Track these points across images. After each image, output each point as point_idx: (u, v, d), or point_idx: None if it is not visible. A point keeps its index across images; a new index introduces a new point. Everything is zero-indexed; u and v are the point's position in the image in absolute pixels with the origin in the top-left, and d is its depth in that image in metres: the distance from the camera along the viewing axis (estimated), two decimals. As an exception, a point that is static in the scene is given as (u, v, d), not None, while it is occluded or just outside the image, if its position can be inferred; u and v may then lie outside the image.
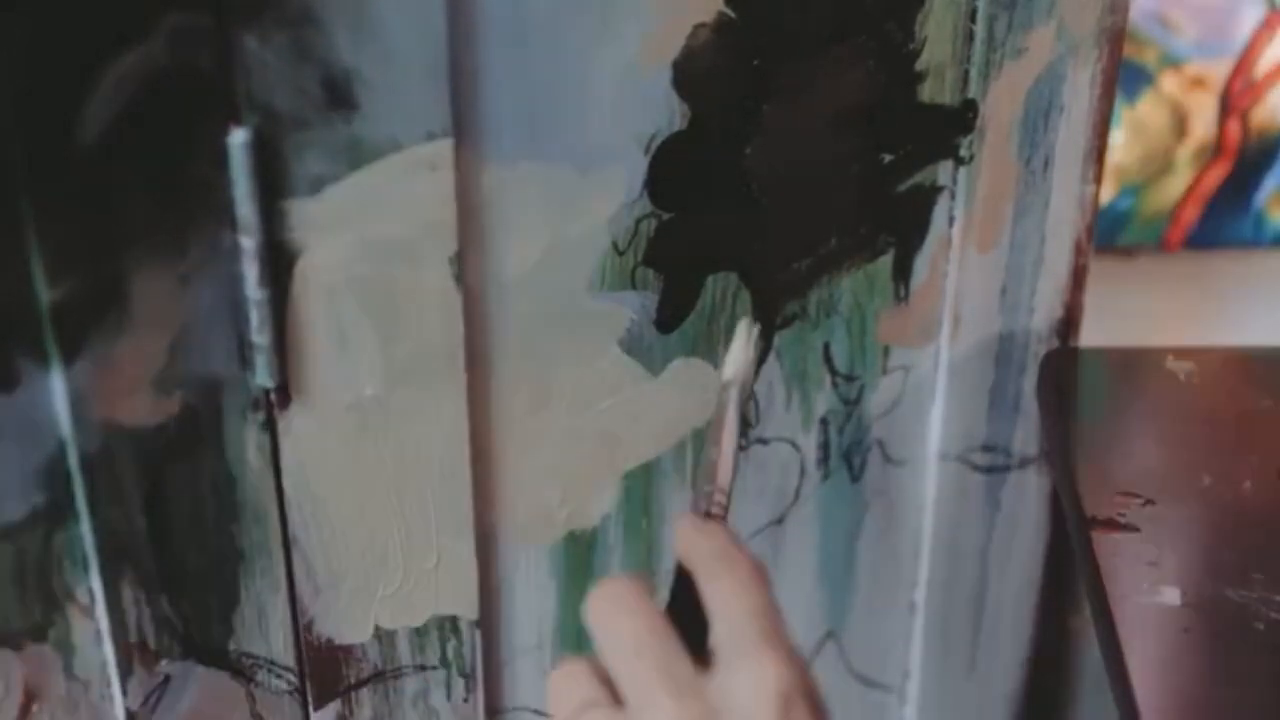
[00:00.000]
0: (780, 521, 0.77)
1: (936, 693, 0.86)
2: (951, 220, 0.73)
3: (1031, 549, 0.84)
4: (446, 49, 0.58)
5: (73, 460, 0.57)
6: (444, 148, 0.59)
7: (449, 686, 0.71)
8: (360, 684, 0.69)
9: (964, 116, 0.71)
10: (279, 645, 0.67)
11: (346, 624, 0.68)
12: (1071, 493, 0.71)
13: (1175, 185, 0.99)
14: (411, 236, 0.61)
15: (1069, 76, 0.71)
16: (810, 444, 0.76)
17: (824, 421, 0.75)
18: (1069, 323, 0.78)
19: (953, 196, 0.73)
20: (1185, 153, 0.98)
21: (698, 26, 0.63)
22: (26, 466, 0.56)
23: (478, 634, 0.70)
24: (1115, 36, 0.72)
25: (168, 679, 0.64)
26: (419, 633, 0.69)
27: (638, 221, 0.65)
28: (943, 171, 0.72)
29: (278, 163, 0.57)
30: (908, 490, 0.80)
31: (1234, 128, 0.98)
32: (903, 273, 0.73)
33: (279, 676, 0.67)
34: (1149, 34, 0.96)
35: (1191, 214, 1.00)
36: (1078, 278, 0.77)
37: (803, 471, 0.76)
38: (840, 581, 0.80)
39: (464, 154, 0.60)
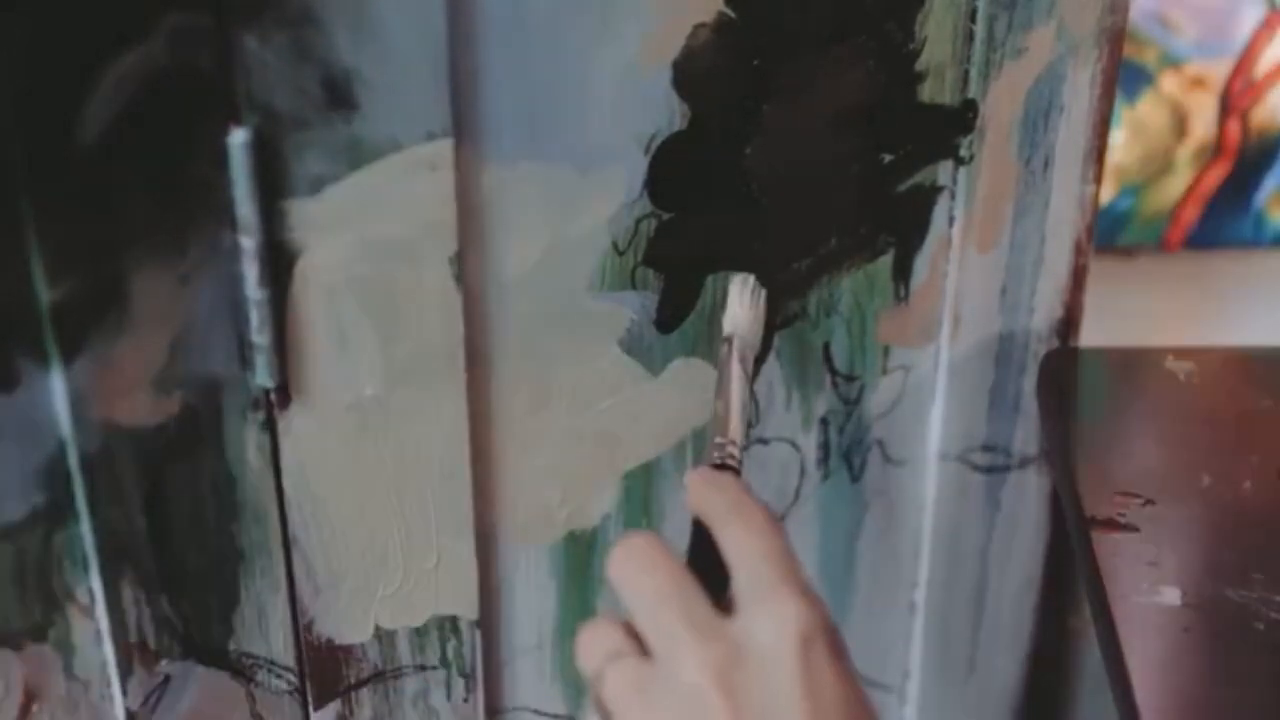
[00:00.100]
0: (780, 521, 0.77)
1: (936, 692, 0.86)
2: (951, 220, 0.73)
3: (1031, 549, 0.84)
4: (446, 49, 0.58)
5: (73, 460, 0.57)
6: (444, 148, 0.59)
7: (449, 686, 0.71)
8: (360, 684, 0.69)
9: (964, 116, 0.71)
10: (279, 645, 0.67)
11: (346, 624, 0.68)
12: (1071, 493, 0.71)
13: (1175, 185, 0.99)
14: (411, 236, 0.61)
15: (1069, 76, 0.71)
16: (810, 444, 0.76)
17: (824, 421, 0.75)
18: (1069, 323, 0.78)
19: (953, 196, 0.73)
20: (1185, 153, 0.98)
21: (698, 26, 0.63)
22: (26, 466, 0.56)
23: (478, 634, 0.70)
24: (1115, 36, 0.72)
25: (168, 679, 0.64)
26: (419, 633, 0.69)
27: (638, 221, 0.65)
28: (943, 171, 0.72)
29: (278, 163, 0.57)
30: (908, 490, 0.80)
31: (1234, 128, 0.98)
32: (903, 273, 0.73)
33: (279, 676, 0.67)
34: (1149, 34, 0.96)
35: (1191, 214, 1.00)
36: (1078, 278, 0.77)
37: (803, 471, 0.76)
38: (840, 581, 0.80)
39: (464, 154, 0.60)
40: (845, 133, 0.68)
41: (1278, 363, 0.80)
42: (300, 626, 0.67)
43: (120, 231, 0.55)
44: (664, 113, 0.64)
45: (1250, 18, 0.96)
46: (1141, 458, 0.73)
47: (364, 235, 0.60)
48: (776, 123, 0.66)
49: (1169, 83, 0.97)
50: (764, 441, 0.74)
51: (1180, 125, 0.98)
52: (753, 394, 0.72)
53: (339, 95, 0.57)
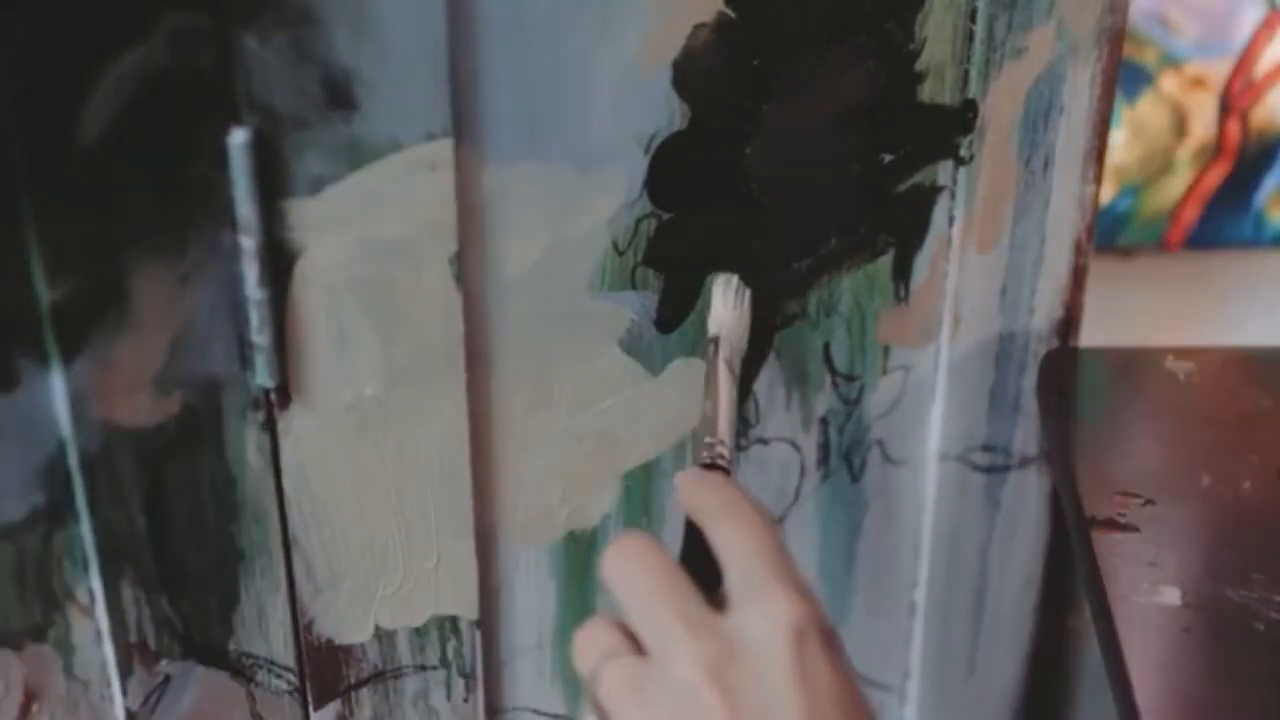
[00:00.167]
0: (780, 521, 0.77)
1: (936, 692, 0.86)
2: (951, 220, 0.73)
3: (1031, 549, 0.84)
4: (446, 49, 0.58)
5: (73, 460, 0.57)
6: (444, 148, 0.59)
7: (449, 686, 0.71)
8: (360, 684, 0.69)
9: (964, 116, 0.71)
10: (279, 645, 0.67)
11: (346, 624, 0.68)
12: (1071, 493, 0.71)
13: (1175, 185, 0.99)
14: (411, 236, 0.61)
15: (1069, 76, 0.71)
16: (810, 444, 0.76)
17: (824, 421, 0.75)
18: (1069, 323, 0.78)
19: (953, 196, 0.73)
20: (1185, 153, 0.98)
21: (698, 26, 0.63)
22: (26, 466, 0.56)
23: (478, 634, 0.70)
24: (1115, 36, 0.71)
25: (168, 679, 0.64)
26: (419, 633, 0.69)
27: (638, 221, 0.65)
28: (943, 171, 0.72)
29: (278, 163, 0.57)
30: (908, 490, 0.80)
31: (1234, 128, 0.98)
32: (903, 273, 0.73)
33: (279, 676, 0.67)
34: (1149, 34, 0.96)
35: (1191, 214, 1.00)
36: (1078, 278, 0.77)
37: (803, 471, 0.76)
38: (840, 581, 0.80)
39: (464, 154, 0.60)
40: (845, 133, 0.68)
41: (1278, 363, 0.80)
42: (300, 626, 0.67)
43: (120, 231, 0.55)
44: (664, 113, 0.64)
45: (1250, 18, 0.96)
46: (1141, 458, 0.73)
47: (364, 235, 0.60)
48: (776, 123, 0.66)
49: (1169, 83, 0.97)
50: (764, 441, 0.74)
51: (1180, 125, 0.98)
52: (751, 393, 0.73)
53: (339, 95, 0.57)
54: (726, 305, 0.66)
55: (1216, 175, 0.99)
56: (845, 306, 0.73)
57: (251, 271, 0.58)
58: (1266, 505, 0.70)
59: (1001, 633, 0.86)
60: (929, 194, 0.72)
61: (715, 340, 0.66)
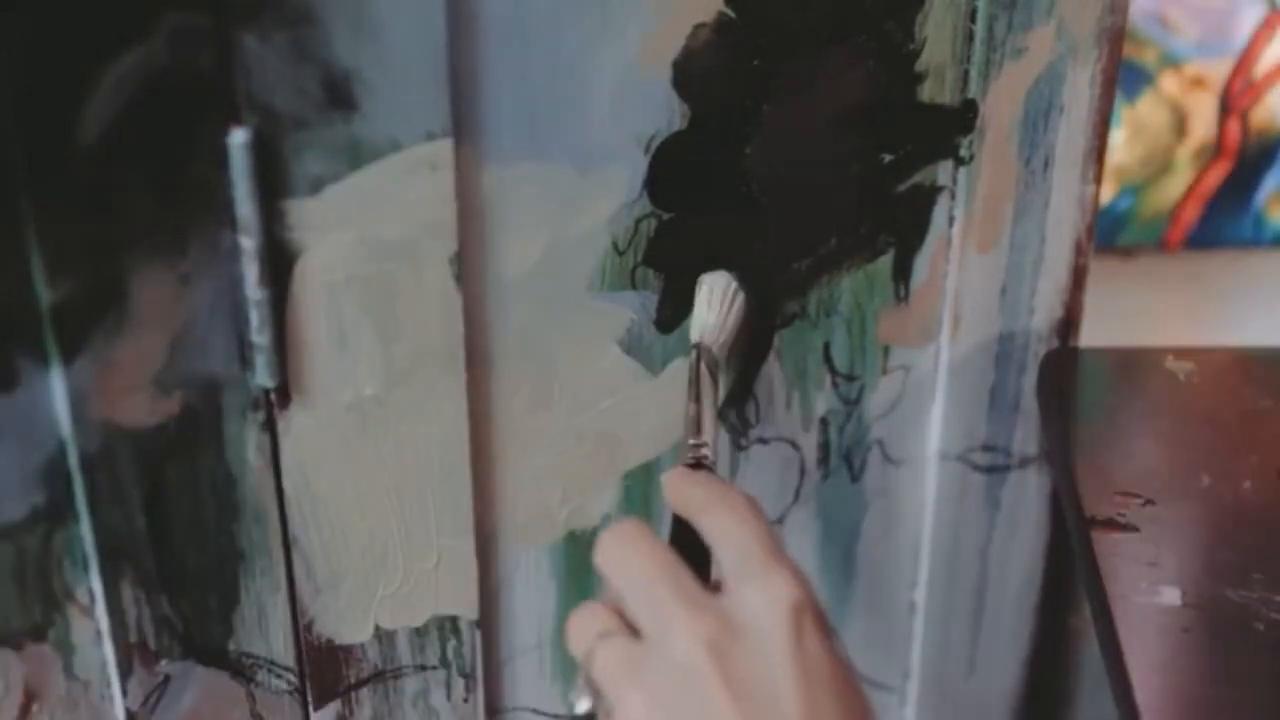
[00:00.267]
0: (780, 521, 0.77)
1: (936, 693, 0.86)
2: (951, 220, 0.73)
3: (1031, 549, 0.84)
4: (446, 49, 0.58)
5: (73, 460, 0.57)
6: (444, 148, 0.59)
7: (449, 686, 0.71)
8: (360, 684, 0.69)
9: (964, 116, 0.71)
10: (279, 645, 0.67)
11: (346, 624, 0.68)
12: (1071, 493, 0.71)
13: (1175, 185, 0.99)
14: (411, 236, 0.61)
15: (1069, 76, 0.71)
16: (810, 444, 0.76)
17: (824, 421, 0.75)
18: (1069, 323, 0.78)
19: (953, 196, 0.73)
20: (1185, 153, 0.98)
21: (698, 26, 0.63)
22: (26, 466, 0.56)
23: (478, 634, 0.70)
24: (1115, 36, 0.71)
25: (168, 679, 0.64)
26: (419, 633, 0.69)
27: (638, 221, 0.65)
28: (943, 171, 0.72)
29: (278, 163, 0.57)
30: (908, 490, 0.80)
31: (1234, 128, 0.98)
32: (903, 273, 0.73)
33: (279, 676, 0.67)
34: (1149, 34, 0.96)
35: (1191, 214, 1.00)
36: (1078, 278, 0.77)
37: (803, 471, 0.76)
38: (840, 581, 0.80)
39: (464, 154, 0.60)
40: (845, 133, 0.68)
41: (1278, 363, 0.80)
42: (300, 626, 0.67)
43: (120, 231, 0.55)
44: (664, 113, 0.64)
45: (1250, 18, 0.96)
46: (1141, 458, 0.73)
47: (364, 235, 0.60)
48: (776, 123, 0.66)
49: (1169, 83, 0.97)
50: (764, 441, 0.74)
51: (1180, 125, 0.98)
52: (751, 393, 0.73)
53: (339, 95, 0.57)
54: (711, 310, 0.67)
55: (1216, 175, 0.99)
56: (845, 306, 0.73)
57: (251, 271, 0.58)
58: (1266, 505, 0.70)
59: (1001, 633, 0.86)
60: (929, 194, 0.72)
61: (697, 346, 0.67)
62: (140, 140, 0.54)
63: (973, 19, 0.68)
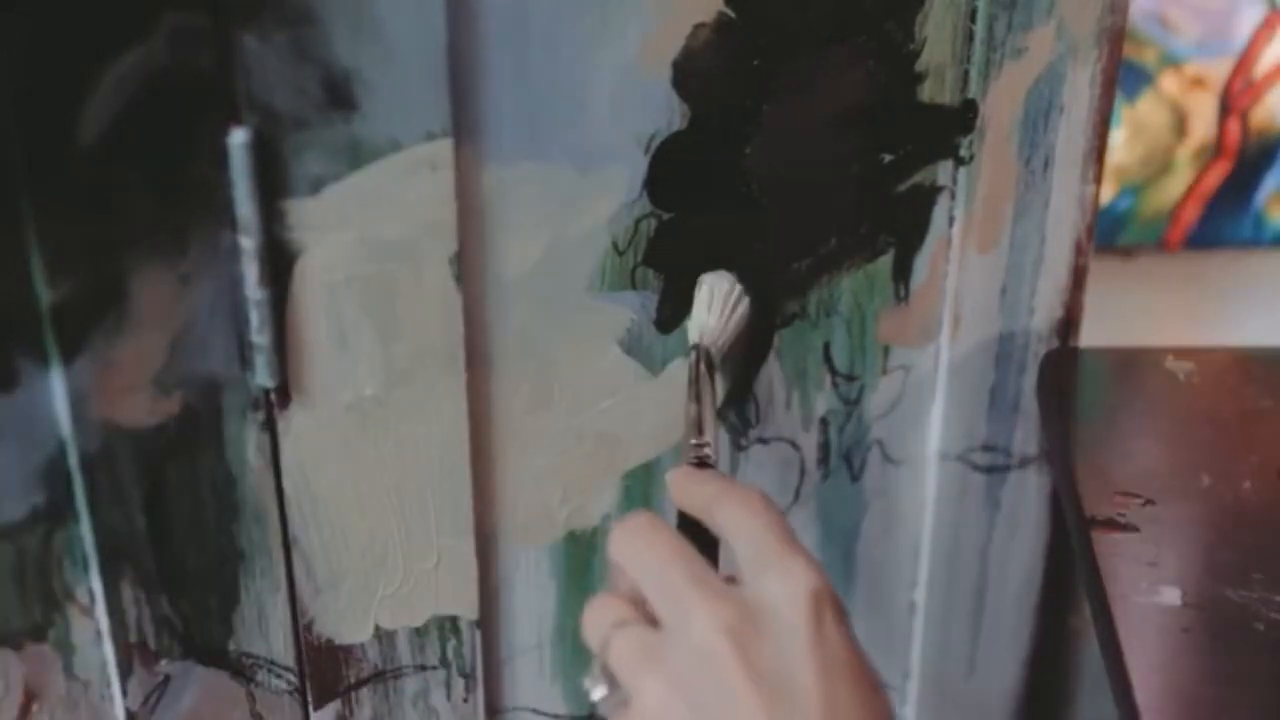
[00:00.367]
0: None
1: (936, 693, 0.86)
2: (951, 220, 0.73)
3: (1031, 549, 0.84)
4: (446, 49, 0.58)
5: (73, 460, 0.57)
6: (444, 148, 0.59)
7: (449, 686, 0.71)
8: (360, 684, 0.69)
9: (964, 116, 0.71)
10: (279, 645, 0.67)
11: (346, 624, 0.68)
12: (1071, 493, 0.71)
13: (1175, 185, 0.99)
14: (411, 236, 0.61)
15: (1069, 76, 0.71)
16: (810, 444, 0.76)
17: (824, 421, 0.75)
18: (1069, 323, 0.78)
19: (953, 196, 0.73)
20: (1185, 153, 0.98)
21: (698, 26, 0.63)
22: (26, 466, 0.56)
23: (478, 634, 0.70)
24: (1115, 36, 0.71)
25: (168, 679, 0.64)
26: (419, 633, 0.69)
27: (638, 221, 0.65)
28: (943, 171, 0.72)
29: (278, 163, 0.57)
30: (908, 490, 0.80)
31: (1234, 128, 0.98)
32: (903, 273, 0.73)
33: (279, 676, 0.67)
34: (1149, 34, 0.96)
35: (1191, 214, 1.00)
36: (1078, 278, 0.77)
37: (803, 471, 0.76)
38: (840, 581, 0.80)
39: (464, 154, 0.60)
40: (845, 133, 0.68)
41: (1278, 363, 0.80)
42: (300, 626, 0.67)
43: (120, 231, 0.55)
44: (664, 113, 0.64)
45: (1250, 18, 0.96)
46: (1141, 458, 0.73)
47: (364, 235, 0.60)
48: (776, 123, 0.66)
49: (1169, 83, 0.97)
50: (764, 441, 0.74)
51: (1180, 125, 0.98)
52: (751, 393, 0.73)
53: (339, 95, 0.57)
54: (713, 313, 0.67)
55: (1216, 175, 0.99)
56: (845, 306, 0.73)
57: (251, 271, 0.58)
58: (1266, 505, 0.70)
59: (1001, 633, 0.86)
60: (929, 194, 0.72)
61: (697, 347, 0.67)
62: (140, 140, 0.54)
63: (973, 19, 0.68)
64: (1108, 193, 0.97)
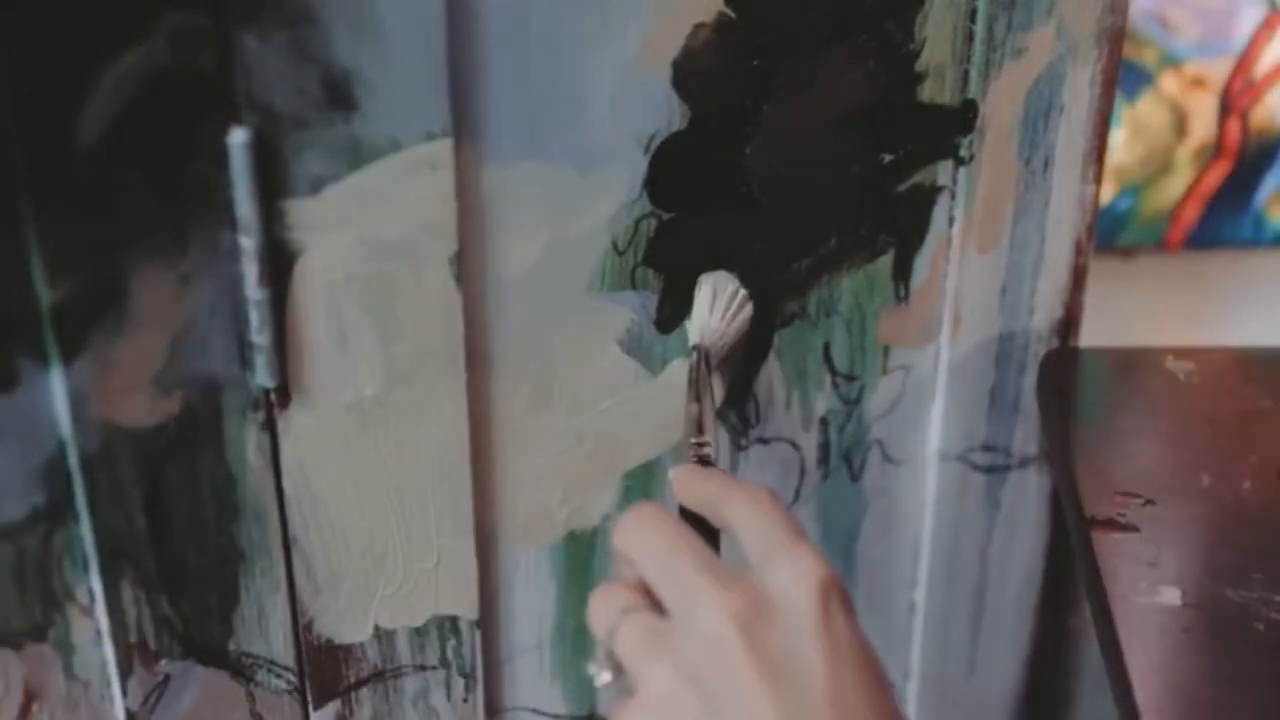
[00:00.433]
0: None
1: (936, 693, 0.86)
2: (951, 220, 0.73)
3: (1031, 549, 0.84)
4: (446, 49, 0.58)
5: (73, 460, 0.57)
6: (444, 148, 0.59)
7: (449, 686, 0.71)
8: (360, 684, 0.69)
9: (964, 116, 0.71)
10: (279, 645, 0.67)
11: (346, 624, 0.68)
12: (1071, 493, 0.71)
13: (1175, 185, 0.99)
14: (411, 236, 0.61)
15: (1069, 76, 0.71)
16: (810, 444, 0.76)
17: (824, 421, 0.75)
18: (1069, 323, 0.78)
19: (953, 196, 0.73)
20: (1185, 153, 0.98)
21: (698, 26, 0.63)
22: (26, 466, 0.56)
23: (478, 634, 0.70)
24: (1115, 36, 0.71)
25: (168, 679, 0.64)
26: (419, 633, 0.69)
27: (638, 221, 0.65)
28: (943, 171, 0.72)
29: (278, 163, 0.57)
30: (908, 490, 0.80)
31: (1234, 128, 0.98)
32: (903, 273, 0.73)
33: (279, 676, 0.67)
34: (1149, 34, 0.96)
35: (1191, 214, 1.00)
36: (1078, 278, 0.77)
37: (803, 471, 0.76)
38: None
39: (464, 154, 0.60)
40: (845, 133, 0.68)
41: (1278, 363, 0.80)
42: (300, 626, 0.67)
43: (120, 231, 0.55)
44: (664, 113, 0.64)
45: (1250, 18, 0.96)
46: (1141, 458, 0.73)
47: (364, 235, 0.60)
48: (776, 123, 0.66)
49: (1169, 83, 0.97)
50: (764, 441, 0.74)
51: (1180, 125, 0.98)
52: (751, 393, 0.73)
53: (339, 95, 0.57)
54: (714, 314, 0.67)
55: (1216, 175, 0.99)
56: (845, 306, 0.73)
57: (251, 271, 0.58)
58: (1266, 505, 0.70)
59: (1001, 633, 0.86)
60: (929, 194, 0.72)
61: (697, 348, 0.67)
62: (140, 140, 0.54)
63: (973, 19, 0.68)
64: (1108, 193, 0.97)
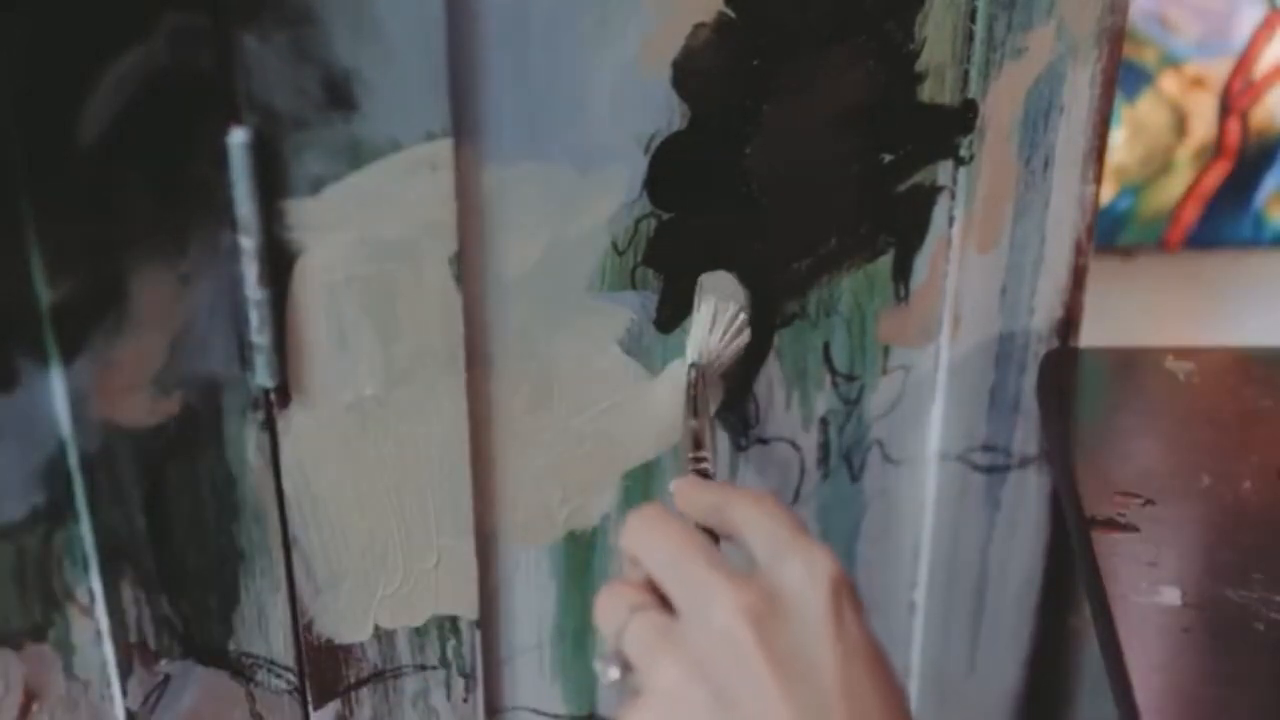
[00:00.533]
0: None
1: (936, 693, 0.86)
2: (951, 220, 0.73)
3: (1031, 549, 0.84)
4: (446, 49, 0.58)
5: (73, 460, 0.57)
6: (444, 148, 0.59)
7: (449, 686, 0.71)
8: (360, 684, 0.69)
9: (964, 116, 0.71)
10: (279, 645, 0.67)
11: (346, 624, 0.68)
12: (1071, 493, 0.71)
13: (1175, 185, 0.99)
14: (411, 236, 0.61)
15: (1069, 76, 0.71)
16: (810, 444, 0.76)
17: (824, 421, 0.75)
18: (1069, 323, 0.78)
19: (953, 196, 0.73)
20: (1185, 153, 0.98)
21: (698, 26, 0.63)
22: (26, 466, 0.56)
23: (478, 634, 0.70)
24: (1115, 36, 0.71)
25: (168, 679, 0.64)
26: (419, 633, 0.69)
27: (638, 221, 0.65)
28: (943, 171, 0.72)
29: (278, 163, 0.57)
30: (908, 490, 0.80)
31: (1234, 128, 0.98)
32: (903, 273, 0.73)
33: (279, 676, 0.67)
34: (1149, 34, 0.96)
35: (1191, 214, 1.00)
36: (1078, 278, 0.77)
37: (803, 471, 0.76)
38: (840, 581, 0.80)
39: (464, 154, 0.60)
40: (845, 133, 0.68)
41: (1278, 363, 0.80)
42: (300, 626, 0.67)
43: (120, 231, 0.55)
44: (664, 113, 0.64)
45: (1250, 18, 0.96)
46: (1141, 458, 0.73)
47: (364, 235, 0.60)
48: (776, 123, 0.66)
49: (1169, 83, 0.97)
50: (764, 441, 0.74)
51: (1180, 125, 0.98)
52: (751, 393, 0.73)
53: (339, 95, 0.57)
54: (714, 334, 0.68)
55: (1216, 175, 0.99)
56: (845, 306, 0.73)
57: (251, 271, 0.58)
58: (1266, 505, 0.70)
59: (1001, 633, 0.86)
60: (929, 194, 0.72)
61: (695, 365, 0.68)
62: (140, 140, 0.54)
63: (973, 19, 0.68)
64: (1108, 193, 0.97)
